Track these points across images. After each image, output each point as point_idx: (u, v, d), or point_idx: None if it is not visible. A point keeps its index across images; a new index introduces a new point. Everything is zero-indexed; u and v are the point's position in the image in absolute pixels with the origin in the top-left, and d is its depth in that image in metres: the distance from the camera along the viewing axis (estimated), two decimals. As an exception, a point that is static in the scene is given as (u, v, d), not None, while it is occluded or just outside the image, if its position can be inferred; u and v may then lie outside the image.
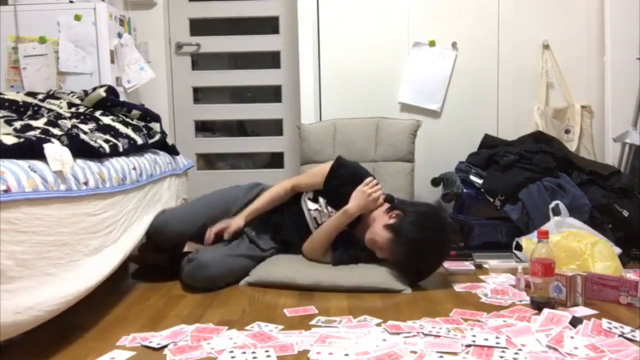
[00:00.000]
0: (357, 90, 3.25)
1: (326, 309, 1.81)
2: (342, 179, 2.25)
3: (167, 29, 3.60)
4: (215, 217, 2.31)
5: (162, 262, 2.37)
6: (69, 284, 1.55)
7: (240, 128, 3.86)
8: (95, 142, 1.94)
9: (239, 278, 2.13)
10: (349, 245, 2.20)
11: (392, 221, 2.08)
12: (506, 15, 3.16)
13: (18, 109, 2.25)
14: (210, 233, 2.26)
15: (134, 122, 2.46)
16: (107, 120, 2.31)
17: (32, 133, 1.77)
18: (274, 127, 3.72)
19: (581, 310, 1.74)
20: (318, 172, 2.35)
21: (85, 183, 1.71)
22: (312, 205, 2.31)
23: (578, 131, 3.12)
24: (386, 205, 2.19)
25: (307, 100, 3.30)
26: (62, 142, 1.69)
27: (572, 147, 3.08)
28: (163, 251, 2.38)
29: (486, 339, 1.49)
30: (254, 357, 1.42)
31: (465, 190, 2.70)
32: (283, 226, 2.34)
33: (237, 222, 2.30)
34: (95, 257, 1.73)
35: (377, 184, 2.22)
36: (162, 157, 2.51)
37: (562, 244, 2.08)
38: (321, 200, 2.31)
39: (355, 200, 2.16)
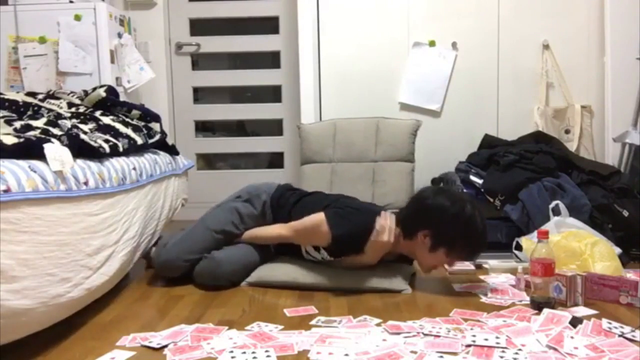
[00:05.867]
0: (357, 90, 3.24)
1: (326, 309, 1.81)
2: (347, 247, 2.04)
3: (167, 29, 3.60)
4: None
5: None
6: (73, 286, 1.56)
7: (240, 128, 3.86)
8: (95, 142, 1.94)
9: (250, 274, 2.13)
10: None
11: (428, 243, 1.92)
12: (506, 15, 3.16)
13: (18, 109, 2.25)
14: None
15: (134, 122, 2.46)
16: (107, 120, 2.30)
17: (32, 133, 1.77)
18: (274, 127, 3.73)
19: (581, 310, 1.74)
20: (316, 236, 2.07)
21: (85, 183, 1.71)
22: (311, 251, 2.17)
23: (578, 131, 3.12)
24: (398, 231, 1.98)
25: (307, 100, 3.30)
26: (62, 142, 1.69)
27: (572, 147, 3.08)
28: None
29: (486, 339, 1.49)
30: (254, 357, 1.42)
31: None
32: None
33: None
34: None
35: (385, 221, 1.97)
36: (162, 157, 2.50)
37: (562, 244, 2.07)
38: (322, 251, 2.13)
39: (372, 254, 2.00)
